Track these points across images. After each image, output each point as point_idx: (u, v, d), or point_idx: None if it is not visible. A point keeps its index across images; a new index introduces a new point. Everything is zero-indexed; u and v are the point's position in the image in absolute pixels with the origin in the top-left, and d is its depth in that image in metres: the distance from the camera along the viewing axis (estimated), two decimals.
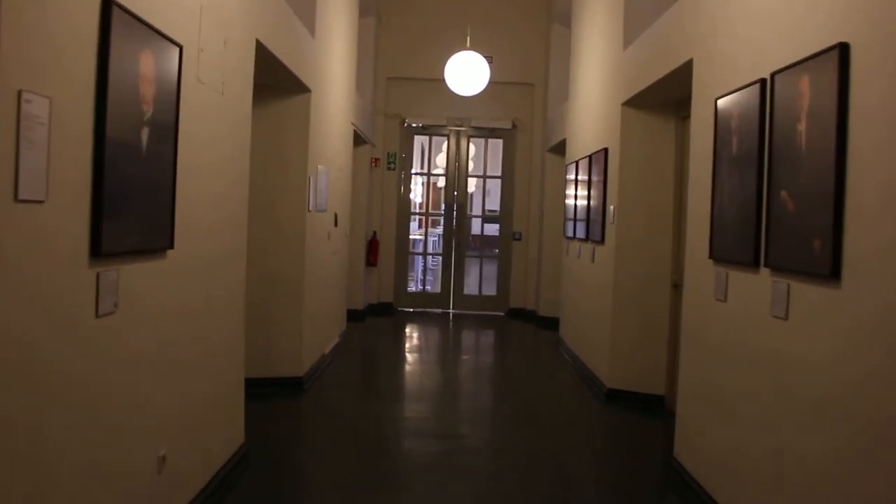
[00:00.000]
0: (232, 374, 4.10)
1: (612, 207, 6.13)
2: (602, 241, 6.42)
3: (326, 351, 7.09)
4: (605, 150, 6.40)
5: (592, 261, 6.85)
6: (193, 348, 3.35)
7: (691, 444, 4.06)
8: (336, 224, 7.40)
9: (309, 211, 6.00)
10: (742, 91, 3.43)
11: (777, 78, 3.08)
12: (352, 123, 8.35)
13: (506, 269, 11.08)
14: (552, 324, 9.94)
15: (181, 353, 3.19)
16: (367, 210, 10.23)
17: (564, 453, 4.95)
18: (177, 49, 2.93)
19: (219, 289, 3.71)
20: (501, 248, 11.20)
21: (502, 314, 11.06)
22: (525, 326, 10.40)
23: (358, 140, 9.54)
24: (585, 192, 7.19)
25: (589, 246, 7.03)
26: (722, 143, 3.69)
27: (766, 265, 3.14)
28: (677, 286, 5.62)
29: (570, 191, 8.11)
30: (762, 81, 3.22)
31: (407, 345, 8.87)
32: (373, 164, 10.40)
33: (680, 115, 5.69)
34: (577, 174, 7.72)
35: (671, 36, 4.74)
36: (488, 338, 9.79)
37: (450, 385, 6.80)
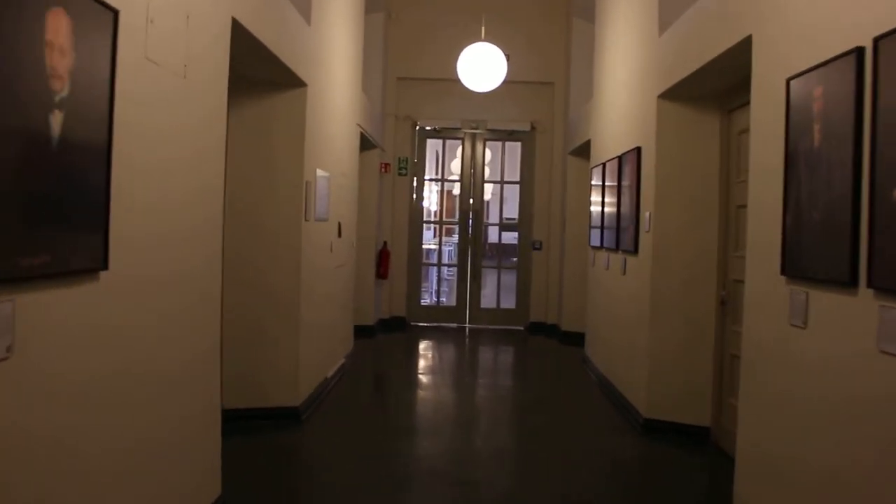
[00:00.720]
0: (202, 410, 3.44)
1: (646, 214, 5.43)
2: (635, 251, 5.72)
3: (329, 374, 6.43)
4: (638, 149, 5.71)
5: (623, 273, 6.15)
6: (142, 384, 2.70)
7: None
8: (340, 234, 6.76)
9: (306, 220, 5.36)
10: (827, 66, 2.74)
11: (882, 44, 2.39)
12: (358, 125, 7.71)
13: (525, 281, 10.39)
14: (576, 339, 9.23)
15: (123, 391, 2.54)
16: (377, 219, 9.58)
17: (602, 501, 4.24)
18: (110, 14, 2.30)
19: (179, 312, 3.05)
20: (520, 258, 10.51)
21: (522, 328, 10.36)
22: (547, 342, 9.69)
23: (366, 144, 8.91)
24: (614, 198, 6.49)
25: (619, 257, 6.33)
26: (798, 132, 2.99)
27: (869, 285, 2.43)
28: (724, 303, 4.91)
29: (596, 196, 7.41)
30: (858, 51, 2.53)
31: (419, 365, 8.19)
32: (382, 170, 9.76)
33: (725, 108, 4.99)
34: (603, 178, 7.03)
35: (722, 12, 4.05)
36: (508, 356, 9.10)
37: (467, 415, 6.08)
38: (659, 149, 5.27)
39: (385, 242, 9.90)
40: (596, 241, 7.35)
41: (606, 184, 6.91)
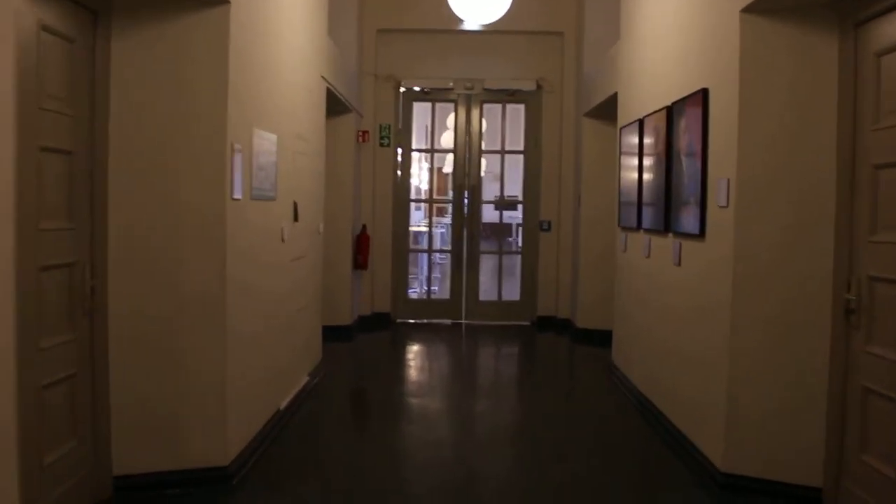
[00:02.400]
0: None
1: (723, 183, 3.81)
2: (700, 234, 4.11)
3: (283, 405, 4.83)
4: (703, 92, 4.08)
5: (678, 263, 4.53)
6: None
7: None
8: (296, 218, 5.12)
9: (234, 199, 3.72)
10: None
11: None
12: (323, 79, 6.05)
13: (531, 268, 8.78)
14: (594, 338, 7.68)
15: None
16: (354, 198, 7.93)
17: None
18: None
19: None
20: (526, 242, 8.89)
21: (528, 324, 8.77)
22: (558, 341, 8.11)
23: (337, 106, 7.24)
24: (660, 164, 4.88)
25: (669, 241, 4.72)
26: None
27: None
28: (852, 311, 3.31)
29: (629, 164, 5.79)
30: None
31: (404, 379, 6.56)
32: (360, 139, 8.09)
33: (851, 20, 3.36)
34: (641, 139, 5.41)
35: None
36: (514, 365, 7.47)
37: (467, 470, 4.35)
38: (745, 87, 3.64)
39: (364, 226, 8.25)
40: (630, 221, 5.73)
41: (646, 146, 5.29)
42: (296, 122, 5.09)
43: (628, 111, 5.88)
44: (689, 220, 4.29)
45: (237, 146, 3.73)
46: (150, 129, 3.52)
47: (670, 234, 4.70)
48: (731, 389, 3.70)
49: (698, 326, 4.16)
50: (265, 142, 4.23)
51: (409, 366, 6.97)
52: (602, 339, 7.67)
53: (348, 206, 7.84)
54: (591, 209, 7.86)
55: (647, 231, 5.23)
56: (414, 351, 7.64)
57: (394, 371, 6.69)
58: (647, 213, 5.20)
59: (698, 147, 4.14)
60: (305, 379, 5.55)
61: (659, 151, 4.91)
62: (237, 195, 3.73)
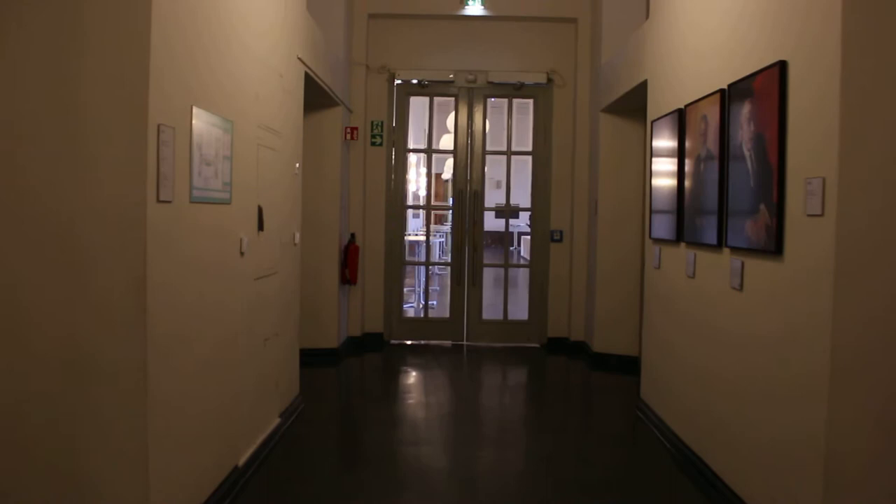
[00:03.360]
0: None
1: (818, 182, 2.86)
2: (775, 251, 3.16)
3: (242, 461, 3.86)
4: (779, 66, 3.14)
5: (739, 288, 3.58)
6: None
7: None
8: (261, 227, 4.16)
9: (162, 201, 2.76)
10: None
11: None
12: (300, 61, 5.12)
13: (541, 284, 7.82)
14: (612, 364, 6.81)
15: None
16: (341, 203, 6.99)
17: None
18: None
19: None
20: (535, 254, 7.93)
21: (537, 346, 7.81)
22: (572, 368, 7.15)
23: (321, 98, 6.32)
24: (712, 162, 3.93)
25: (725, 258, 3.77)
26: None
27: None
28: None
29: (665, 162, 4.84)
30: None
31: (397, 417, 5.57)
32: (347, 136, 7.15)
33: None
34: (681, 133, 4.46)
35: None
36: (523, 397, 6.46)
37: None
38: (849, 56, 2.69)
39: (353, 235, 7.30)
40: (666, 233, 4.78)
41: (689, 141, 4.34)
42: (262, 108, 4.15)
43: (663, 101, 4.93)
44: (755, 233, 3.34)
45: (166, 126, 2.78)
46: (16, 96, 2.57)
47: (726, 250, 3.75)
48: (834, 463, 2.74)
49: (773, 375, 3.20)
50: (213, 128, 3.28)
51: (404, 400, 5.99)
52: (623, 365, 6.75)
53: (334, 212, 6.89)
54: (610, 217, 6.93)
55: (692, 245, 4.27)
56: (409, 380, 6.67)
57: (385, 408, 5.70)
58: (692, 224, 4.25)
59: (772, 139, 3.19)
60: (276, 422, 4.59)
61: (709, 147, 3.96)
62: (163, 196, 2.78)
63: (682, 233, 4.43)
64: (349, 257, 7.07)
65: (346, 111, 7.17)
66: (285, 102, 4.71)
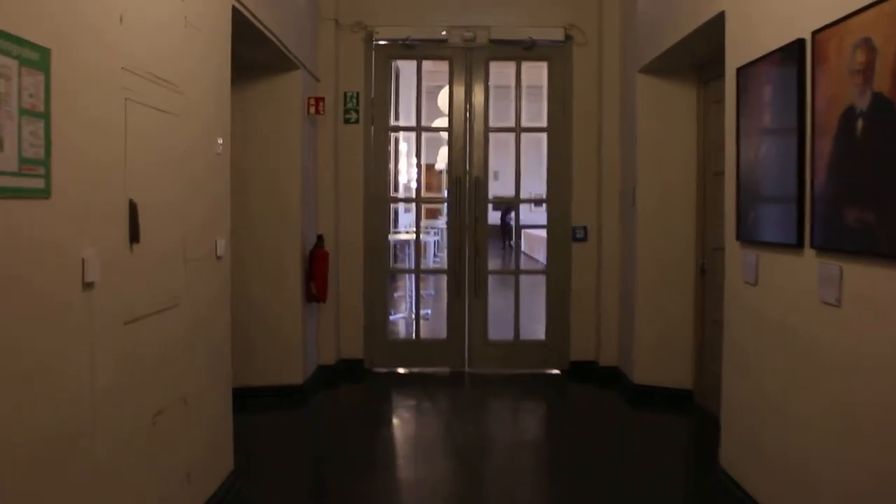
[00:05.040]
0: None
1: None
2: None
3: None
4: None
5: None
6: None
7: None
8: (135, 236, 2.52)
9: None
10: None
11: None
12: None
13: (561, 294, 6.21)
14: (659, 400, 5.28)
15: None
16: (303, 196, 5.36)
17: None
18: None
19: None
20: (553, 256, 6.31)
21: (557, 374, 6.21)
22: (606, 403, 5.56)
23: (272, 57, 4.73)
24: (874, 118, 2.32)
25: None
26: None
27: None
28: None
29: (772, 127, 3.22)
30: None
31: (375, 499, 3.97)
32: (311, 110, 5.52)
33: None
34: (801, 76, 2.84)
35: None
36: (546, 453, 4.77)
37: None
38: None
39: (320, 238, 5.67)
40: (771, 231, 3.18)
41: (823, 87, 2.71)
42: (135, 42, 2.52)
43: (760, 34, 3.30)
44: None
45: None
46: None
47: None
48: None
49: None
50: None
51: (386, 467, 4.34)
52: (673, 402, 5.20)
53: (293, 209, 5.27)
54: (653, 209, 5.33)
55: (833, 254, 2.66)
56: (394, 432, 5.04)
57: (359, 485, 4.07)
58: (834, 219, 2.64)
59: None
60: None
61: (878, 91, 2.35)
62: None
63: (812, 232, 2.81)
64: (315, 267, 5.45)
65: (308, 77, 5.54)
66: (191, 44, 3.09)
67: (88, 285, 2.19)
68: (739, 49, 3.53)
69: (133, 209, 2.49)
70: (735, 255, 3.59)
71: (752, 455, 3.39)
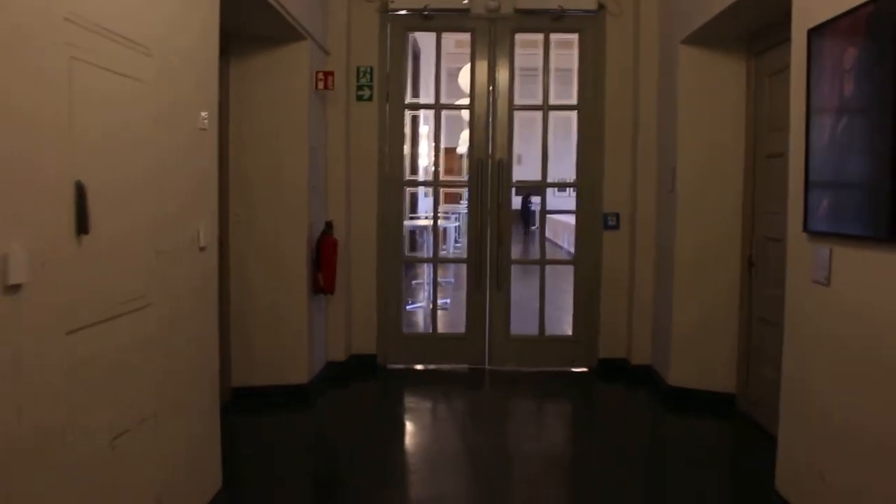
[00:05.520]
0: None
1: None
2: None
3: None
4: None
5: None
6: None
7: None
8: (82, 226, 2.07)
9: None
10: None
11: None
12: None
13: (590, 286, 5.73)
14: (697, 404, 4.80)
15: None
16: (309, 179, 4.91)
17: None
18: None
19: None
20: (582, 245, 5.81)
21: (585, 371, 5.74)
22: (638, 405, 5.11)
23: (274, 26, 4.26)
24: None
25: None
26: None
27: None
28: None
29: (855, 98, 2.70)
30: None
31: None
32: (319, 84, 5.05)
33: None
34: None
35: None
36: (576, 465, 4.31)
37: None
38: None
39: (328, 225, 5.22)
40: (848, 220, 2.67)
41: None
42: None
43: None
44: None
45: None
46: None
47: None
48: None
49: None
50: None
51: (397, 481, 3.90)
52: (713, 406, 4.72)
53: (299, 192, 4.83)
54: (694, 194, 4.83)
55: None
56: (408, 439, 4.59)
57: (366, 502, 3.63)
58: None
59: None
60: None
61: None
62: None
63: None
64: (323, 256, 5.01)
65: (317, 50, 5.08)
66: (174, 6, 2.63)
67: (12, 288, 1.75)
68: (812, 6, 3.00)
69: (81, 192, 2.05)
70: (800, 249, 3.08)
71: (816, 484, 2.90)
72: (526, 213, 17.90)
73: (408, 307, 8.04)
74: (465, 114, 5.89)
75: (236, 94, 4.74)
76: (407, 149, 8.66)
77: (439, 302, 8.27)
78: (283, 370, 4.88)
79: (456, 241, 12.23)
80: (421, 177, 11.32)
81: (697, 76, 4.79)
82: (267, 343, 4.83)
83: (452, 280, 9.94)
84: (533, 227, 20.63)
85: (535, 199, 19.33)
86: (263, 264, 4.81)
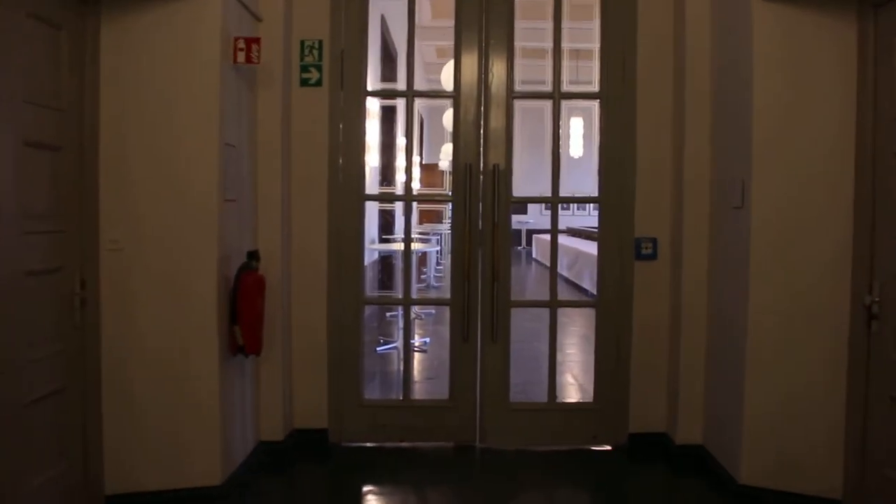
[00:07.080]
0: None
1: None
2: None
3: None
4: None
5: None
6: None
7: None
8: None
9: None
10: None
11: None
12: None
13: (617, 336, 4.22)
14: None
15: None
16: (225, 190, 3.39)
17: None
18: None
19: None
20: (606, 281, 4.29)
21: (610, 450, 4.23)
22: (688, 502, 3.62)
23: None
24: None
25: None
26: None
27: None
28: None
29: None
30: None
31: None
32: (240, 57, 3.53)
33: None
34: None
35: None
36: None
37: None
38: None
39: (251, 256, 3.68)
40: None
41: None
42: None
43: None
44: None
45: None
46: None
47: None
48: None
49: None
50: None
51: None
52: None
53: (206, 211, 3.31)
54: (777, 212, 3.37)
55: None
56: None
57: None
58: None
59: None
60: None
61: None
62: None
63: None
64: (242, 300, 3.47)
65: (237, 9, 3.59)
66: None
67: None
68: None
69: None
70: None
71: None
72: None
73: (378, 350, 6.52)
74: (449, 116, 4.38)
75: (110, 68, 3.23)
76: (377, 154, 7.13)
77: (416, 342, 6.75)
78: (185, 467, 3.35)
79: (438, 264, 10.70)
80: (399, 189, 9.78)
81: (782, 44, 3.34)
82: (160, 430, 3.30)
83: (433, 311, 8.42)
84: (519, 248, 19.13)
85: (519, 218, 17.71)
86: (154, 316, 3.29)
